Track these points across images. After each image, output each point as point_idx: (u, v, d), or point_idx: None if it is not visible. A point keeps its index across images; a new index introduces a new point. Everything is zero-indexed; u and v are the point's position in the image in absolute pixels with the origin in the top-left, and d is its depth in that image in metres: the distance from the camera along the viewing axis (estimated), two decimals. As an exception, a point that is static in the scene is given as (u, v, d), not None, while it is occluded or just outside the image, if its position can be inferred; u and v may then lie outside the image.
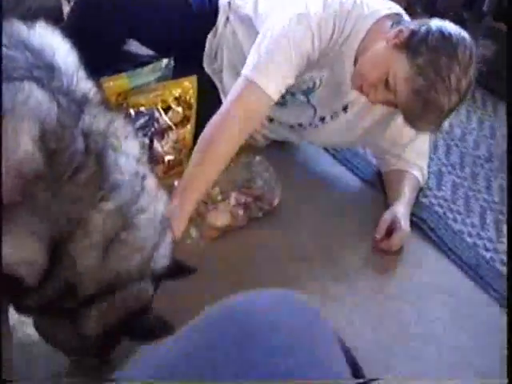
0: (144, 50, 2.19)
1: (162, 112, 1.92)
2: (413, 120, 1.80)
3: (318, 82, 1.95)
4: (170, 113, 1.94)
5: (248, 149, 1.94)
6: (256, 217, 1.90)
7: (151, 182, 1.14)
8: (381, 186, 2.19)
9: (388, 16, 1.88)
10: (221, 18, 2.12)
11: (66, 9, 2.71)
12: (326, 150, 2.35)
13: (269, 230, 1.89)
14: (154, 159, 1.85)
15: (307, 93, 1.99)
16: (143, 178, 1.11)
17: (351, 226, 2.00)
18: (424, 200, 2.16)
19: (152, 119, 1.91)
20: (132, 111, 1.87)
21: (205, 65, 2.15)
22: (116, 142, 1.05)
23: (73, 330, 1.14)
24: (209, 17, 2.13)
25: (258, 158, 1.96)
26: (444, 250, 1.96)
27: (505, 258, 1.95)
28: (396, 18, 1.87)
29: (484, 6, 3.61)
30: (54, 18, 2.10)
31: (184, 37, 2.09)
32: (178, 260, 1.27)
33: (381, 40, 1.81)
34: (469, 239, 2.02)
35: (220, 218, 1.83)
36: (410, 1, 3.25)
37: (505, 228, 2.09)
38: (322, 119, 2.10)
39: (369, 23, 1.85)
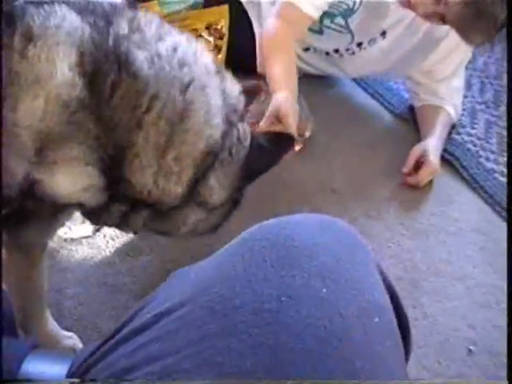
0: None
1: (193, 41, 1.89)
2: (465, 30, 1.72)
3: (358, 1, 1.91)
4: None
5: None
6: (287, 148, 1.87)
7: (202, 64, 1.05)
8: (413, 121, 2.16)
9: None
10: None
11: None
12: (358, 84, 2.32)
13: (299, 162, 1.87)
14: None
15: (346, 15, 1.95)
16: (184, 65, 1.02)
17: (382, 161, 1.97)
18: (457, 137, 2.13)
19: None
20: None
21: None
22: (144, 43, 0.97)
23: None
24: None
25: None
26: (476, 188, 1.94)
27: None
28: None
29: None
30: None
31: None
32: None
33: None
34: (501, 178, 1.99)
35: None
36: None
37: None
38: (360, 45, 2.07)
39: None
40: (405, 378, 0.65)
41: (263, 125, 1.52)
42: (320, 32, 2.04)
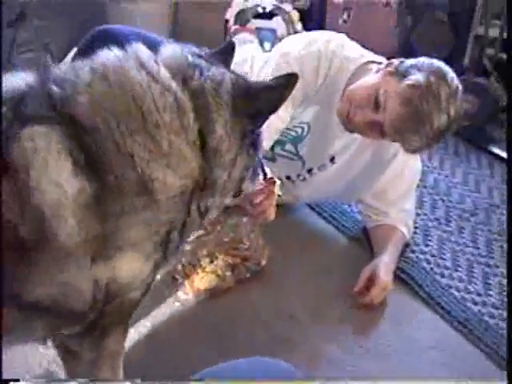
0: None
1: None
2: (403, 133, 1.79)
3: (305, 129, 2.01)
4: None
5: (235, 210, 1.96)
6: (244, 277, 1.91)
7: None
8: (367, 242, 2.21)
9: (372, 62, 1.96)
10: None
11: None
12: (312, 208, 2.38)
13: (256, 290, 1.90)
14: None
15: (296, 142, 2.04)
16: None
17: (339, 284, 2.00)
18: (411, 255, 2.18)
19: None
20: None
21: None
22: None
23: None
24: None
25: (244, 219, 1.98)
26: (432, 305, 1.97)
27: (493, 310, 1.96)
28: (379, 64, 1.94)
29: (464, 61, 3.71)
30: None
31: None
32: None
33: (369, 74, 1.88)
34: (457, 293, 2.03)
35: (207, 280, 1.84)
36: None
37: (492, 280, 2.10)
38: (310, 171, 2.15)
39: (356, 64, 1.94)
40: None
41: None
42: (273, 159, 2.12)
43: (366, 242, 2.21)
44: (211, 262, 1.88)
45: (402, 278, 2.04)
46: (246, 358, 0.94)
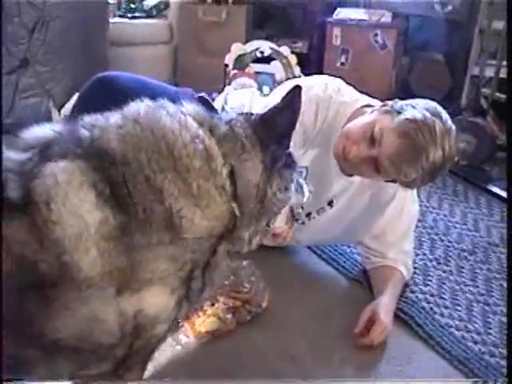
0: None
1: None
2: (399, 165, 1.81)
3: (304, 173, 2.04)
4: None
5: (235, 254, 1.99)
6: (245, 320, 1.93)
7: None
8: (367, 283, 2.23)
9: (367, 106, 2.01)
10: None
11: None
12: (312, 250, 2.41)
13: (258, 332, 1.92)
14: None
15: None
16: None
17: (339, 325, 2.01)
18: (410, 295, 2.20)
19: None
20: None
21: None
22: None
23: None
24: None
25: (244, 262, 2.01)
26: (432, 344, 1.98)
27: (493, 349, 1.96)
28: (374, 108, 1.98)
29: (462, 101, 3.77)
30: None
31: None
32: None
33: (365, 115, 1.94)
34: (457, 333, 2.04)
35: (209, 323, 1.86)
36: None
37: (492, 319, 2.12)
38: (309, 215, 2.18)
39: (352, 109, 1.99)
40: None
41: None
42: None
43: (366, 283, 2.23)
44: (212, 304, 1.89)
45: (402, 318, 2.06)
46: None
